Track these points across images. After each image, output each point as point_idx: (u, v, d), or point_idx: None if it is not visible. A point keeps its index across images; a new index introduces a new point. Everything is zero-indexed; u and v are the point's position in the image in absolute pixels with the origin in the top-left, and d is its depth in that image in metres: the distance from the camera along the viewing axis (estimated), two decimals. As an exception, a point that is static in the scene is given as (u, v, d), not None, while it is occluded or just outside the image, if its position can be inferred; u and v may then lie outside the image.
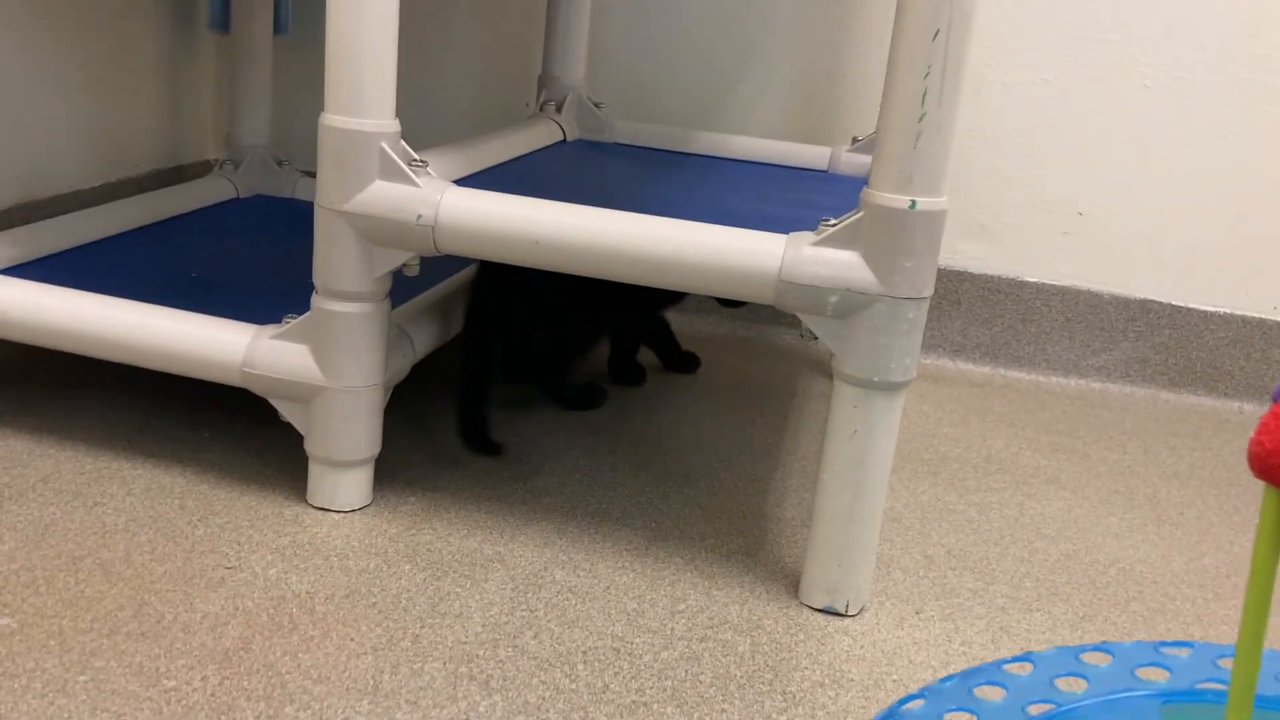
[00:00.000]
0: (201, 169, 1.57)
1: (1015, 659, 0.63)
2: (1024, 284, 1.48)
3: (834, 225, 0.79)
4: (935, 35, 0.73)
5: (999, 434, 1.28)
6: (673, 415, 1.21)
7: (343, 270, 0.86)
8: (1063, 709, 0.57)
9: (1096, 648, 0.63)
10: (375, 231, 0.85)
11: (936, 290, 1.49)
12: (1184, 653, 0.62)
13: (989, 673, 0.62)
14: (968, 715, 0.58)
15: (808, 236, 0.80)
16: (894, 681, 0.78)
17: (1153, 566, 1.00)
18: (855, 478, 0.82)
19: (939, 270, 1.49)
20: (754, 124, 1.50)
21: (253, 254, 1.20)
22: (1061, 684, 0.60)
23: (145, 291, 0.98)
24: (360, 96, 0.83)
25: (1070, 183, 1.45)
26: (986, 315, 1.50)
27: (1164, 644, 0.63)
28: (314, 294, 0.88)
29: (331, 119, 0.84)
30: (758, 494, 1.05)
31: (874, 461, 0.82)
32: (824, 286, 0.79)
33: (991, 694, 0.60)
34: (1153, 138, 1.43)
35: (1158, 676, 0.60)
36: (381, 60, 0.83)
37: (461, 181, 0.96)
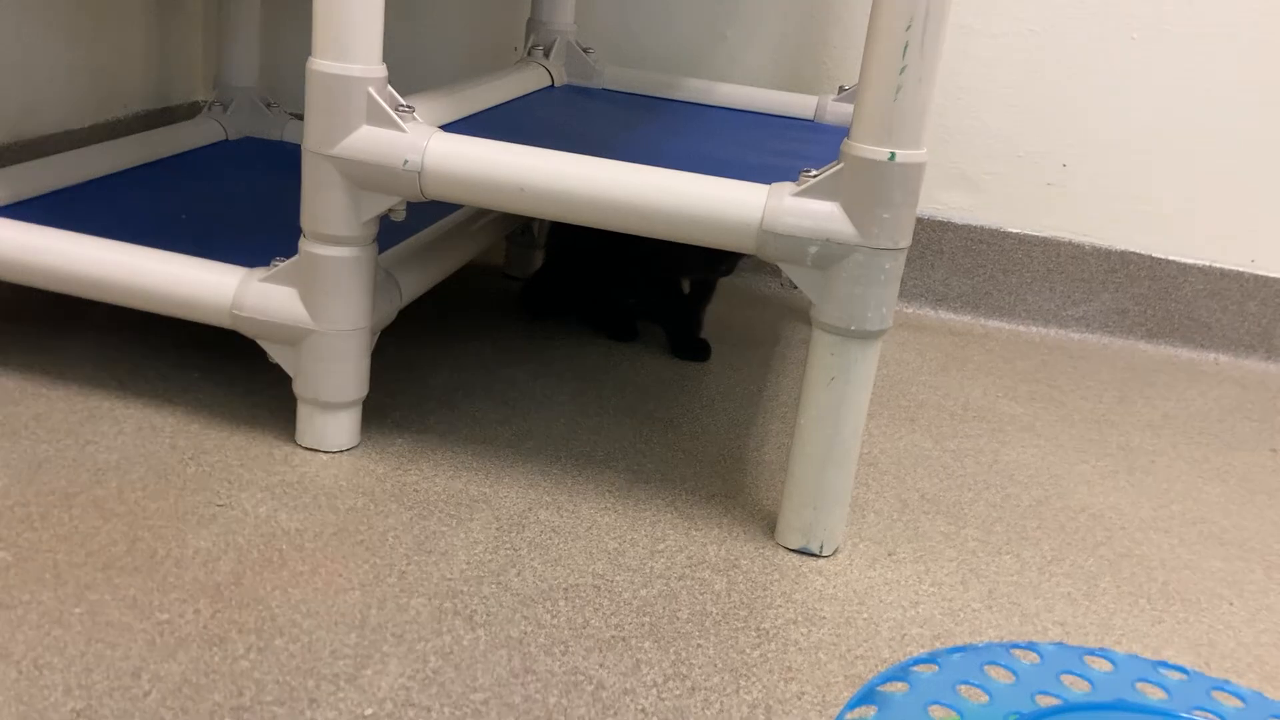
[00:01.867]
0: (190, 110, 1.57)
1: (1020, 645, 0.65)
2: (1006, 234, 1.50)
3: (815, 176, 0.80)
4: (917, -12, 0.74)
5: (977, 382, 1.30)
6: (659, 363, 1.23)
7: (330, 214, 0.87)
8: (1071, 705, 0.59)
9: (1098, 653, 0.65)
10: (362, 176, 0.86)
11: (919, 240, 1.50)
12: (1180, 677, 0.64)
13: (997, 653, 0.64)
14: (982, 693, 0.60)
15: (789, 187, 0.81)
16: (865, 620, 0.80)
17: (1122, 513, 1.02)
18: (832, 423, 0.84)
19: (922, 220, 1.50)
20: (742, 71, 1.50)
21: (241, 197, 1.20)
22: (1066, 680, 0.62)
23: (135, 233, 0.99)
24: (347, 42, 0.84)
25: (1055, 134, 1.46)
26: (968, 265, 1.51)
27: (1159, 663, 0.65)
28: (301, 238, 0.89)
29: (319, 64, 0.84)
30: (739, 438, 1.07)
31: (850, 408, 0.84)
32: (804, 237, 0.80)
33: (1002, 675, 0.62)
34: (1138, 90, 1.43)
35: (1156, 694, 0.62)
36: (369, 5, 0.84)
37: (448, 127, 0.97)
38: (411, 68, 1.55)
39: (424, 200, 0.87)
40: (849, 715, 0.57)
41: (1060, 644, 0.66)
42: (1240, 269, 1.47)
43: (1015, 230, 1.50)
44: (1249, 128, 1.43)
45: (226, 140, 1.43)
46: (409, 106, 0.86)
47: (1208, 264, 1.48)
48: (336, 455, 0.94)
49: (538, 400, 1.09)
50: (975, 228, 1.50)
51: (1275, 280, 1.47)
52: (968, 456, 1.10)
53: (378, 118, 0.85)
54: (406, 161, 0.85)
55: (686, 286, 1.26)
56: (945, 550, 0.92)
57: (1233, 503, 1.07)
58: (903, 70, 0.75)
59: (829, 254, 0.80)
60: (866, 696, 0.59)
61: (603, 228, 0.85)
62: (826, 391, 0.84)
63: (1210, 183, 1.46)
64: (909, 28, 0.74)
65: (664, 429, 1.07)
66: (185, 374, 1.05)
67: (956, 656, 0.63)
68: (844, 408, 0.84)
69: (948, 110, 1.47)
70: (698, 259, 1.17)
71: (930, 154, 1.48)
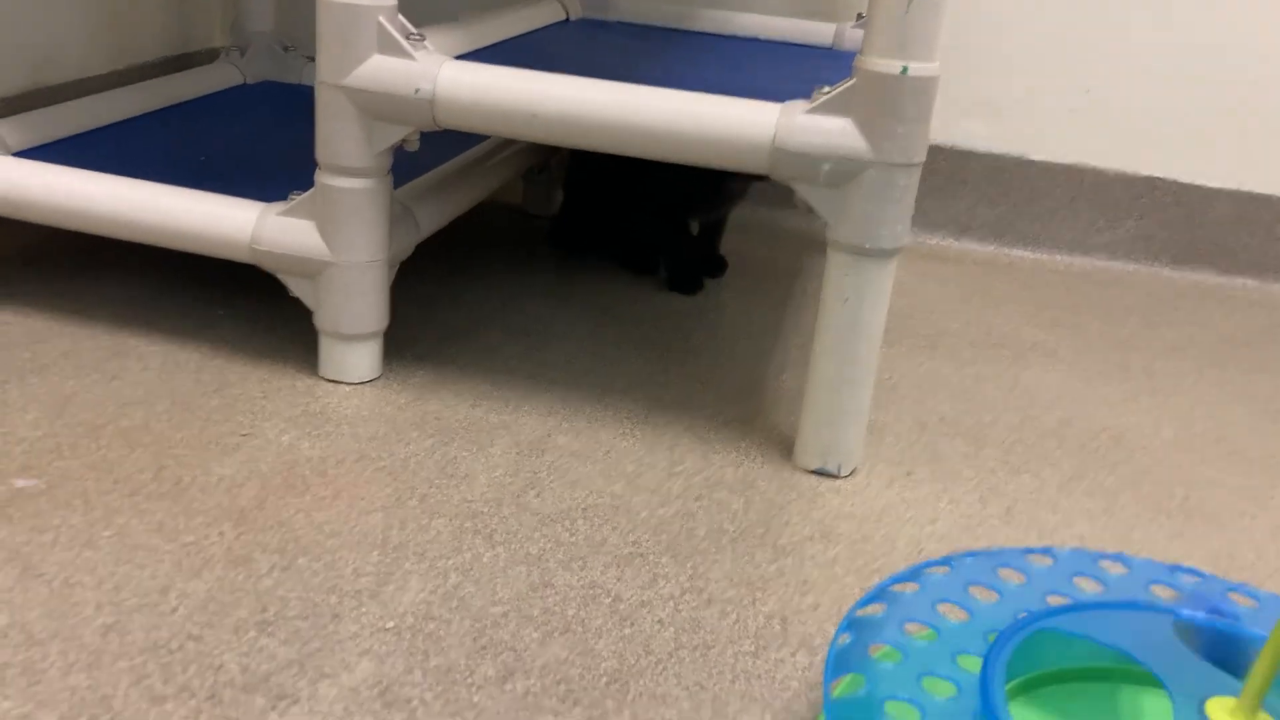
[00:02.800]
0: (209, 57, 1.57)
1: (1036, 550, 0.65)
2: (1030, 163, 1.48)
3: (827, 93, 0.80)
4: (926, -104, 0.72)
5: (1000, 310, 1.29)
6: (679, 297, 1.23)
7: (344, 145, 0.88)
8: (1081, 604, 0.59)
9: (1113, 556, 0.65)
10: (374, 106, 0.86)
11: (942, 170, 1.49)
12: (1194, 580, 0.64)
13: (1011, 557, 0.64)
14: (993, 592, 0.60)
15: (801, 105, 0.81)
16: (882, 536, 0.81)
17: (1143, 433, 1.02)
18: (847, 343, 0.84)
19: (945, 149, 1.48)
20: (760, 1, 1.48)
21: (260, 139, 1.21)
22: (1079, 581, 0.62)
23: (155, 173, 1.00)
24: (356, -30, 0.84)
25: (1078, 60, 1.44)
26: (992, 194, 1.50)
27: (1177, 567, 0.65)
28: (317, 170, 0.90)
29: (329, -7, 0.84)
30: (758, 366, 1.07)
31: (865, 327, 0.84)
32: (817, 154, 0.80)
33: (1014, 577, 0.62)
34: (1161, 13, 1.41)
35: (1169, 594, 0.62)
36: (376, -67, 0.83)
37: (460, 58, 0.97)
38: (424, 5, 1.54)
39: (437, 129, 0.87)
40: (859, 612, 0.58)
41: (1077, 549, 0.66)
42: (1269, 192, 1.45)
43: (1039, 158, 1.48)
44: (1263, 51, 1.40)
45: (245, 84, 1.43)
46: (420, 35, 0.86)
47: (1235, 188, 1.46)
48: (358, 386, 0.95)
49: (558, 333, 1.10)
50: (999, 156, 1.48)
51: (1305, 203, 1.45)
52: (988, 381, 1.10)
53: (389, 46, 0.85)
54: (418, 90, 0.85)
55: (696, 227, 1.26)
56: (964, 470, 0.92)
57: (1258, 422, 1.07)
58: (913, -19, 0.74)
59: (842, 171, 0.80)
60: (878, 595, 0.60)
61: (616, 153, 0.85)
62: (841, 311, 0.84)
63: (1237, 106, 1.43)
64: (919, -63, 0.73)
65: (683, 359, 1.07)
66: (210, 311, 1.06)
67: (970, 559, 0.64)
68: (859, 328, 0.84)
69: (969, 37, 1.45)
70: (700, 192, 1.17)
71: (952, 82, 1.46)
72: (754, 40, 1.31)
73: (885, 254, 0.82)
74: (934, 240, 1.52)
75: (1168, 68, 1.43)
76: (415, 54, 0.85)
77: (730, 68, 1.10)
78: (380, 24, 0.85)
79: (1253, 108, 1.43)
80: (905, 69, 0.76)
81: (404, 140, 0.88)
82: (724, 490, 0.85)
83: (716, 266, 1.30)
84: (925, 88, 0.77)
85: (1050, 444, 0.98)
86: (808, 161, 0.80)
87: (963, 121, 1.48)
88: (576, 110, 0.83)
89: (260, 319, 1.05)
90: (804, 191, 0.82)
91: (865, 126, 0.78)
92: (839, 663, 0.55)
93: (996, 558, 0.65)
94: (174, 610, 0.65)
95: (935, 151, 1.48)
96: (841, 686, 0.55)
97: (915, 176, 0.80)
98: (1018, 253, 1.51)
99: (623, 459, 0.88)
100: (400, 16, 0.86)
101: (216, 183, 1.02)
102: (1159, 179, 1.46)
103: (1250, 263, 1.48)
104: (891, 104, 0.77)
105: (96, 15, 1.38)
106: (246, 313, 1.06)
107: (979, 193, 1.50)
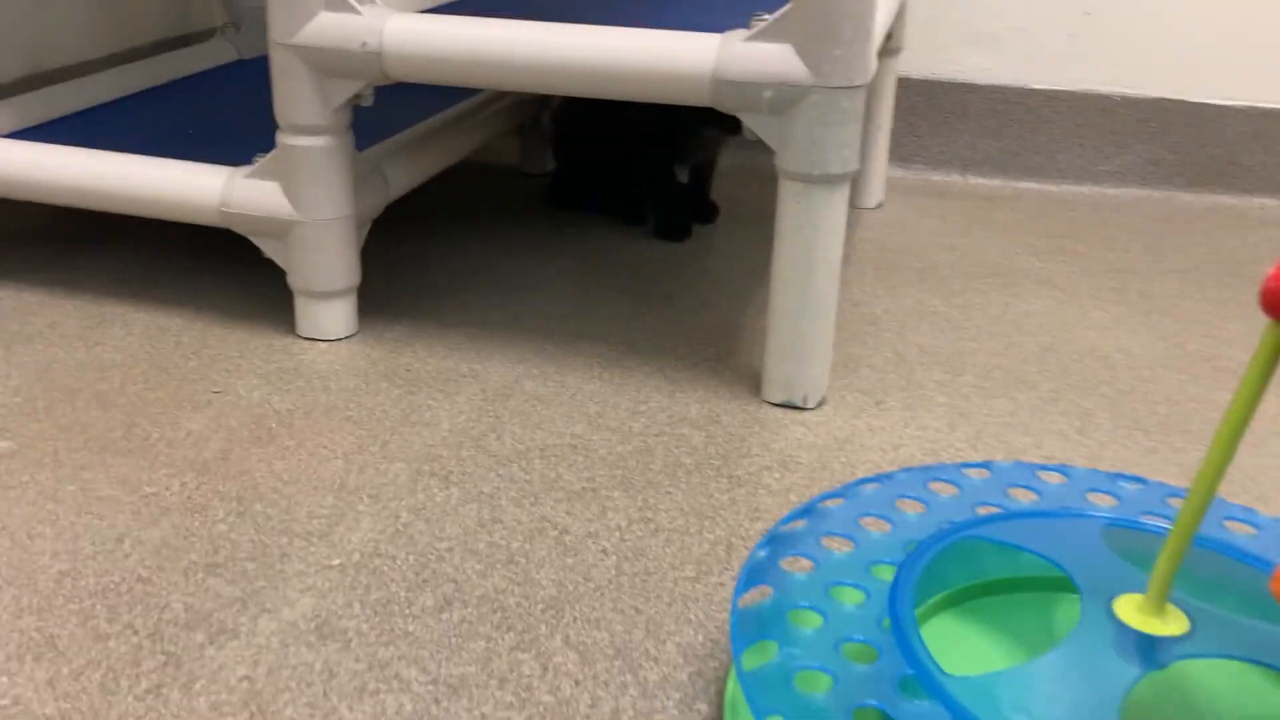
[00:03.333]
0: (208, 36, 1.60)
1: (974, 465, 0.65)
2: (1032, 92, 1.45)
3: (765, 20, 0.79)
4: None
5: (999, 242, 1.27)
6: (668, 245, 1.23)
7: (299, 104, 0.89)
8: (1010, 513, 0.59)
9: (1054, 468, 0.64)
10: (324, 62, 0.87)
11: (942, 105, 1.46)
12: (1136, 487, 0.63)
13: (947, 471, 0.64)
14: (920, 504, 0.60)
15: (740, 34, 0.80)
16: (841, 464, 0.80)
17: (1131, 354, 1.00)
18: (804, 274, 0.84)
19: (943, 83, 1.46)
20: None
21: (250, 111, 1.22)
22: (1014, 493, 0.62)
23: (141, 148, 1.02)
24: (298, -72, 0.84)
25: (1076, -19, 1.40)
26: (995, 126, 1.47)
27: (1119, 475, 0.64)
28: (278, 131, 0.91)
29: (273, -47, 0.85)
30: (736, 309, 1.07)
31: (821, 256, 0.83)
32: (758, 81, 0.79)
33: (945, 490, 0.62)
34: (1160, -75, 1.37)
35: (1106, 502, 0.61)
36: (316, -111, 0.84)
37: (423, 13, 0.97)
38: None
39: (388, 82, 0.88)
40: (783, 528, 0.58)
41: (1018, 462, 0.65)
42: (1282, 107, 1.41)
43: (1041, 87, 1.45)
44: (1284, -46, 1.35)
45: (241, 60, 1.45)
46: (365, -11, 0.87)
47: (1247, 104, 1.41)
48: (334, 343, 0.96)
49: (538, 285, 1.11)
50: (999, 87, 1.46)
51: (1321, 116, 1.40)
52: (975, 310, 1.08)
53: (334, 3, 0.86)
54: (365, 44, 0.85)
55: (685, 174, 1.26)
56: (937, 397, 0.91)
57: (1254, 338, 1.04)
58: (839, -104, 0.73)
59: (785, 97, 0.79)
60: (803, 512, 0.60)
61: (564, 94, 0.85)
62: (795, 241, 0.83)
63: (1242, 17, 1.38)
64: None
65: (661, 304, 1.07)
66: (197, 278, 1.08)
67: (904, 475, 0.63)
68: (814, 256, 0.83)
69: (961, -34, 1.42)
70: (682, 138, 1.17)
71: (948, 13, 1.43)
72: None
73: (835, 179, 0.81)
74: (938, 176, 1.50)
75: (1169, -16, 1.39)
76: (361, 8, 0.86)
77: (697, 9, 1.09)
78: (325, -20, 0.85)
79: (1259, 18, 1.38)
80: (837, -12, 0.75)
81: (358, 95, 0.89)
82: (686, 426, 0.85)
83: (707, 212, 1.29)
84: (861, 8, 0.76)
85: (1031, 368, 0.96)
86: (749, 90, 0.79)
87: (961, 53, 1.45)
88: (520, 53, 0.83)
89: (245, 283, 1.07)
90: (750, 121, 0.81)
91: (804, 51, 0.78)
92: (751, 576, 0.55)
93: (931, 472, 0.64)
94: (127, 556, 0.67)
95: (934, 86, 1.46)
96: (749, 598, 0.55)
97: (859, 98, 0.79)
98: (1024, 185, 1.48)
99: (587, 401, 0.88)
100: (346, -29, 0.87)
101: (199, 153, 1.04)
102: (1167, 100, 1.42)
103: (1268, 181, 1.43)
104: (828, 27, 0.76)
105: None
106: (233, 278, 1.08)
107: (981, 126, 1.47)
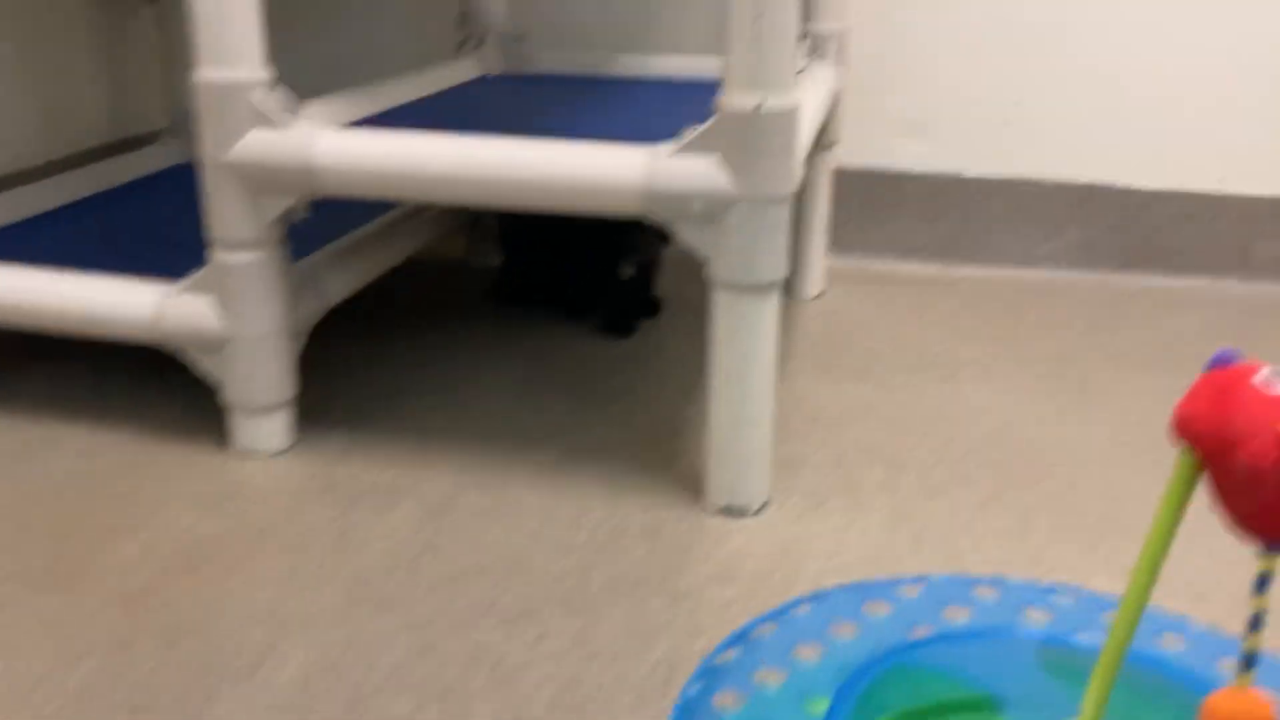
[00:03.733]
0: (153, 139, 1.59)
1: (909, 580, 0.64)
2: (966, 179, 1.48)
3: (693, 133, 0.80)
4: (762, -68, 0.73)
5: (937, 331, 1.29)
6: (613, 341, 1.23)
7: (232, 220, 0.88)
8: (943, 635, 0.59)
9: (989, 581, 0.64)
10: (256, 179, 0.87)
11: (879, 192, 1.49)
12: (1069, 599, 0.63)
13: (881, 589, 0.63)
14: (854, 625, 0.60)
15: (669, 147, 0.81)
16: (783, 574, 0.80)
17: (1070, 446, 1.01)
18: (740, 379, 0.84)
19: (879, 172, 1.48)
20: (682, 40, 1.49)
21: (190, 216, 1.21)
22: (948, 610, 0.62)
23: (78, 260, 1.01)
24: (230, 49, 0.85)
25: (1005, 73, 1.44)
26: (931, 214, 1.49)
27: (1052, 588, 0.64)
28: (210, 246, 0.91)
29: (206, 73, 0.86)
30: (681, 407, 1.07)
31: (756, 361, 0.83)
32: (686, 193, 0.80)
33: (879, 609, 0.61)
34: (1082, 21, 1.40)
35: (1040, 617, 0.61)
36: (247, 13, 0.84)
37: (358, 124, 0.98)
38: (354, 71, 1.56)
39: (319, 197, 0.88)
40: (716, 659, 0.57)
41: (954, 575, 0.65)
42: (1208, 190, 1.44)
43: (975, 174, 1.48)
44: (1195, 47, 1.40)
45: (184, 164, 1.45)
46: (296, 106, 0.87)
47: (1175, 188, 1.45)
48: (270, 458, 0.95)
49: (482, 386, 1.10)
50: (934, 175, 1.48)
51: (1246, 198, 1.43)
52: (916, 403, 1.09)
53: (265, 120, 0.86)
54: (296, 160, 0.85)
55: (631, 269, 1.27)
56: (878, 497, 0.91)
57: (1190, 426, 1.05)
58: (760, 17, 0.75)
59: (713, 208, 0.80)
60: (736, 640, 0.59)
61: (496, 206, 0.85)
62: (730, 348, 0.83)
63: (1166, 106, 1.42)
64: (759, -27, 0.74)
65: (605, 403, 1.07)
66: (136, 392, 1.07)
67: (838, 594, 0.63)
68: (750, 362, 0.83)
69: (893, 57, 1.45)
70: (627, 235, 1.18)
71: (882, 105, 1.46)
72: (670, 83, 1.32)
73: (765, 287, 0.81)
74: (877, 264, 1.51)
75: (1094, 74, 1.42)
76: (292, 126, 0.86)
77: (635, 113, 1.11)
78: (257, 98, 0.86)
79: (1182, 106, 1.42)
80: (761, 104, 0.76)
81: (290, 210, 0.89)
82: (629, 537, 0.84)
83: (651, 307, 1.30)
84: (784, 121, 0.77)
85: (971, 464, 0.97)
86: (679, 201, 0.80)
87: (895, 143, 1.48)
88: (449, 168, 0.84)
89: (185, 396, 1.05)
90: (680, 230, 0.82)
91: (730, 163, 0.78)
92: (682, 716, 0.54)
93: (865, 590, 0.64)
94: (46, 702, 0.65)
95: (870, 175, 1.48)
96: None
97: (785, 209, 0.80)
98: (961, 270, 1.50)
99: (528, 513, 0.87)
100: (278, 89, 0.87)
101: (137, 264, 1.03)
102: (1097, 185, 1.46)
103: (1198, 261, 1.46)
104: (753, 139, 0.77)
105: (30, 105, 1.40)
106: (173, 390, 1.06)
107: (917, 213, 1.49)
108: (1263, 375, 0.43)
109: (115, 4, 1.53)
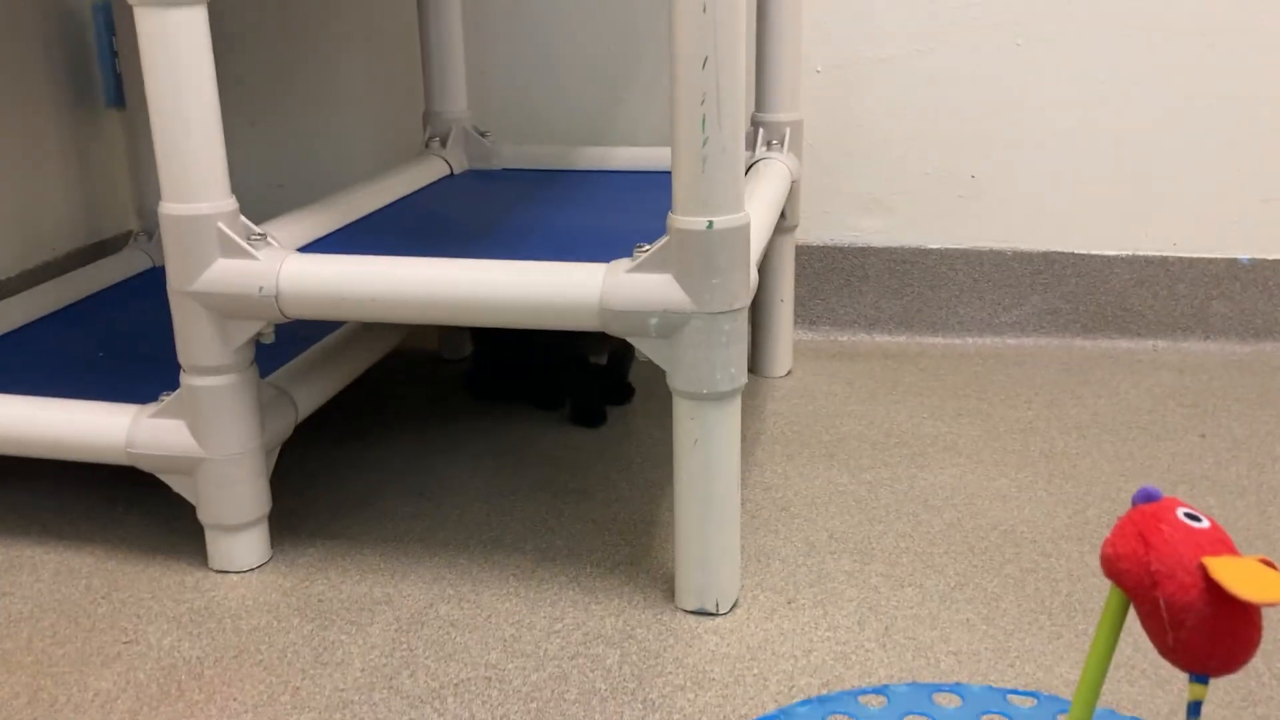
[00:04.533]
0: (123, 242, 1.62)
1: (871, 690, 0.66)
2: (928, 251, 1.51)
3: (646, 251, 0.82)
4: (705, 63, 0.76)
5: (904, 406, 1.31)
6: (580, 432, 1.25)
7: (201, 347, 0.90)
8: None
9: (950, 688, 0.66)
10: (223, 307, 0.89)
11: (844, 268, 1.52)
12: (1029, 703, 0.65)
13: (843, 703, 0.65)
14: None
15: (625, 264, 0.83)
16: (754, 677, 0.81)
17: (1034, 526, 1.03)
18: (703, 486, 0.86)
19: (842, 248, 1.51)
20: (645, 132, 1.52)
21: (163, 324, 1.24)
22: None
23: (51, 378, 1.03)
24: (193, 183, 0.87)
25: (959, 147, 1.48)
26: (895, 286, 1.52)
27: (1011, 691, 0.66)
28: (181, 371, 0.92)
29: (169, 207, 0.88)
30: (651, 503, 1.08)
31: (719, 466, 0.85)
32: (643, 310, 0.82)
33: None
34: (1030, 94, 1.45)
35: None
36: (209, 147, 0.87)
37: (325, 240, 1.00)
38: (320, 173, 1.59)
39: (287, 321, 0.90)
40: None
41: (914, 684, 0.67)
42: (1164, 254, 1.47)
43: (936, 245, 1.51)
44: (1142, 114, 1.44)
45: (154, 268, 1.47)
46: (261, 234, 0.90)
47: (1131, 253, 1.48)
48: (246, 574, 0.96)
49: (454, 487, 1.12)
50: (896, 248, 1.51)
51: (1200, 260, 1.47)
52: (883, 487, 1.11)
53: (231, 250, 0.88)
54: (261, 288, 0.88)
55: (603, 359, 1.29)
56: (847, 590, 0.93)
57: (1151, 499, 1.07)
58: (705, 142, 0.77)
59: (669, 323, 0.82)
60: (701, 770, 0.60)
61: (458, 325, 0.87)
62: (693, 455, 0.85)
63: (1117, 173, 1.46)
64: (703, 102, 0.77)
65: (577, 500, 1.08)
66: (110, 510, 1.08)
67: (802, 710, 0.64)
68: (713, 467, 0.85)
69: (849, 138, 1.49)
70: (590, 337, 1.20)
71: (842, 184, 1.50)
72: (633, 173, 1.35)
73: (724, 395, 0.83)
74: (844, 336, 1.54)
75: (1046, 144, 1.46)
76: (258, 254, 0.88)
77: (598, 209, 1.13)
78: (220, 229, 0.88)
79: (1135, 173, 1.46)
80: (711, 224, 0.79)
81: (259, 334, 0.91)
82: (602, 644, 0.85)
83: (623, 395, 1.32)
84: (734, 238, 0.80)
85: (938, 549, 0.99)
86: (636, 318, 0.82)
87: (856, 219, 1.51)
88: (412, 291, 0.86)
89: (160, 514, 1.07)
90: (638, 344, 0.84)
91: (684, 280, 0.81)
92: None
93: (830, 704, 0.65)
94: None
95: (834, 251, 1.51)
96: None
97: (739, 320, 0.82)
98: (928, 340, 1.52)
99: (502, 623, 0.89)
100: (242, 217, 0.89)
101: (111, 379, 1.04)
102: (1055, 252, 1.49)
103: (1158, 324, 1.49)
104: (704, 258, 0.80)
105: (2, 214, 1.42)
106: (147, 508, 1.08)
107: (882, 286, 1.52)
108: (1180, 514, 0.45)
109: (83, 109, 1.55)
